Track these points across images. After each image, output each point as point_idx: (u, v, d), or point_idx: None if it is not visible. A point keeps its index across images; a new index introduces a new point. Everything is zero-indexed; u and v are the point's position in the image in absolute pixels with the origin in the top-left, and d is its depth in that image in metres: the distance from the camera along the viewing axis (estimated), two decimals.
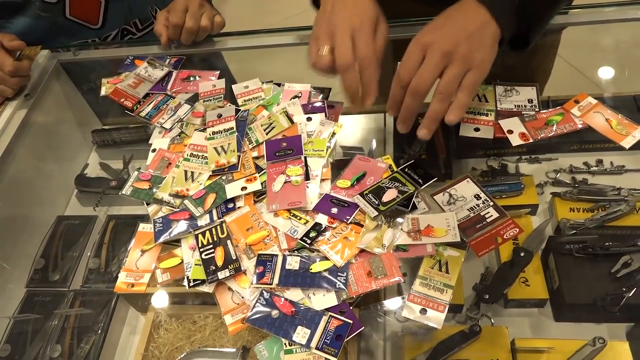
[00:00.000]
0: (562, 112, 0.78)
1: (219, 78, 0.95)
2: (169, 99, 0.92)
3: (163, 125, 0.88)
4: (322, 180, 0.78)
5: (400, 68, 0.73)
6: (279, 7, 2.93)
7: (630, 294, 0.78)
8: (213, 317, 0.85)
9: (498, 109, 0.81)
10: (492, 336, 0.80)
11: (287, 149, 0.80)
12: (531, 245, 0.88)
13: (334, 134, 0.82)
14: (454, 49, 0.69)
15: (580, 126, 0.76)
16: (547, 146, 1.02)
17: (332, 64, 0.73)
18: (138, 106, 0.92)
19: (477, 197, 0.73)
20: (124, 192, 0.82)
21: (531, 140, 0.75)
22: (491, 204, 0.72)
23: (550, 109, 0.79)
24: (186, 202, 0.77)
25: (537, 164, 1.05)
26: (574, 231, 0.89)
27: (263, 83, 0.93)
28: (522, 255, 0.86)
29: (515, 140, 0.75)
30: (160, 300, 0.86)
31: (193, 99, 0.92)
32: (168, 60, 1.01)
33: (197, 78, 0.96)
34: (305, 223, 0.73)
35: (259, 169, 0.79)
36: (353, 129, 1.20)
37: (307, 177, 0.77)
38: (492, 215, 0.71)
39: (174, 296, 0.86)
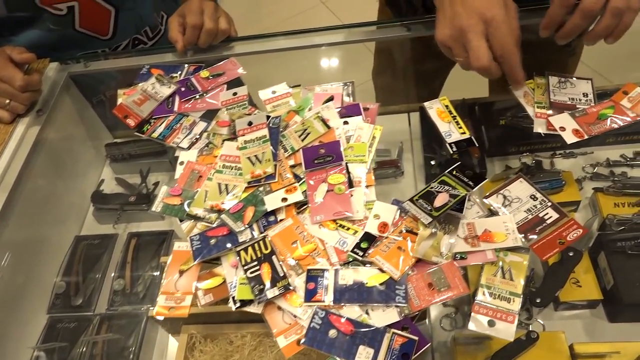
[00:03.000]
0: (613, 104, 0.75)
1: (235, 85, 0.91)
2: (182, 118, 0.87)
3: (180, 145, 0.83)
4: (367, 186, 0.73)
5: None
6: (275, 10, 2.89)
7: None
8: (251, 335, 0.80)
9: (552, 100, 0.78)
10: (549, 342, 0.76)
11: (326, 155, 0.76)
12: (579, 244, 0.84)
13: (374, 137, 0.78)
14: None
15: (634, 119, 0.73)
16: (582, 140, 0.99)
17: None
18: (149, 126, 0.87)
19: (534, 197, 0.69)
20: (154, 209, 0.77)
21: (586, 137, 0.72)
22: (549, 204, 0.68)
23: (600, 102, 0.76)
24: (224, 216, 0.72)
25: (573, 158, 1.02)
26: (622, 227, 0.86)
27: (291, 87, 0.88)
28: (570, 255, 0.82)
29: (569, 138, 0.72)
30: (193, 320, 0.81)
31: (206, 116, 0.87)
32: (186, 68, 0.96)
33: (221, 74, 0.92)
34: (354, 233, 0.68)
35: (297, 178, 0.75)
36: None
37: (350, 184, 0.73)
38: (551, 216, 0.67)
39: (207, 316, 0.81)
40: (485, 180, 0.72)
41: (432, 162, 1.01)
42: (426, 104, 0.84)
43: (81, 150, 1.11)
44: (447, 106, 0.83)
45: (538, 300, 0.80)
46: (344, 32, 1.03)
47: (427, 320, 0.80)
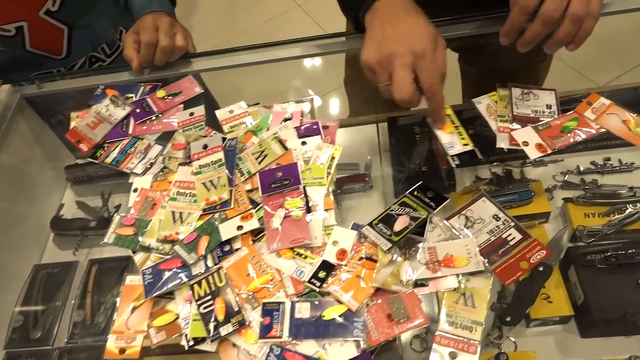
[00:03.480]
0: (577, 116, 0.73)
1: (195, 104, 0.88)
2: (136, 141, 0.84)
3: (133, 171, 0.80)
4: (326, 210, 0.71)
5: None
6: (251, 13, 2.86)
7: None
8: None
9: (515, 113, 0.75)
10: None
11: (283, 178, 0.73)
12: (549, 258, 0.82)
13: (333, 157, 0.75)
14: None
15: (597, 131, 0.71)
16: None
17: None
18: (102, 151, 0.84)
19: (496, 217, 0.67)
20: (106, 240, 0.74)
21: (549, 152, 0.69)
22: (512, 224, 0.66)
23: (564, 115, 0.74)
24: (177, 247, 0.69)
25: (543, 166, 1.00)
26: (592, 239, 0.84)
27: (249, 106, 0.85)
28: (540, 269, 0.80)
29: (533, 153, 0.69)
30: (155, 351, 0.78)
31: (163, 139, 0.84)
32: (143, 87, 0.92)
33: (178, 93, 0.89)
34: (311, 262, 0.66)
35: (254, 203, 0.72)
36: (344, 142, 1.13)
37: (308, 209, 0.70)
38: (514, 237, 0.65)
39: (172, 346, 0.78)
40: (447, 201, 0.69)
41: (400, 176, 0.98)
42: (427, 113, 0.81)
43: (40, 173, 1.07)
44: (449, 115, 0.78)
45: (508, 319, 0.77)
46: (309, 44, 0.99)
47: (396, 341, 0.78)
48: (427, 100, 0.71)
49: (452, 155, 0.73)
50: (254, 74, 1.11)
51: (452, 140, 0.75)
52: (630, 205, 0.86)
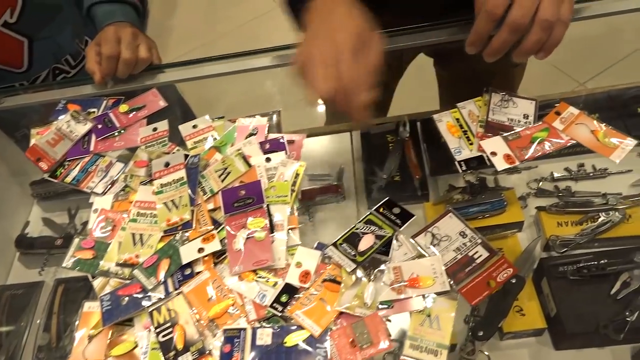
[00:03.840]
0: (547, 127, 0.71)
1: (161, 117, 0.85)
2: (98, 159, 0.81)
3: (94, 191, 0.77)
4: (290, 229, 0.69)
5: (517, 10, 0.65)
6: (231, 14, 2.82)
7: (634, 318, 0.72)
8: None
9: (489, 119, 0.73)
10: None
11: (246, 197, 0.71)
12: (522, 270, 0.81)
13: (297, 174, 0.73)
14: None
15: (567, 142, 0.69)
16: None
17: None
18: (62, 170, 0.81)
19: (463, 234, 0.66)
20: (64, 264, 0.72)
21: (517, 163, 0.68)
22: (479, 241, 0.64)
23: (534, 125, 0.72)
24: (136, 272, 0.67)
25: (517, 173, 0.99)
26: (565, 249, 0.83)
27: (213, 120, 0.83)
28: (513, 282, 0.79)
29: (500, 164, 0.68)
30: None
31: (125, 156, 0.82)
32: (105, 102, 0.90)
33: (141, 107, 0.86)
34: (274, 285, 0.64)
35: (217, 224, 0.70)
36: (317, 152, 1.12)
37: (271, 228, 0.68)
38: (481, 255, 0.63)
39: None
40: (413, 217, 0.68)
41: (373, 186, 0.97)
42: (435, 116, 0.78)
43: (5, 190, 1.05)
44: (457, 119, 0.76)
45: (480, 334, 0.76)
46: (279, 53, 0.97)
47: None
48: (348, 98, 0.65)
49: (459, 161, 0.71)
50: (229, 82, 1.08)
51: (460, 145, 0.72)
52: (603, 213, 0.85)
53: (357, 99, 0.65)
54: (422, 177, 0.96)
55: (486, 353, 0.78)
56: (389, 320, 0.74)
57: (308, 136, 1.11)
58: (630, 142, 0.68)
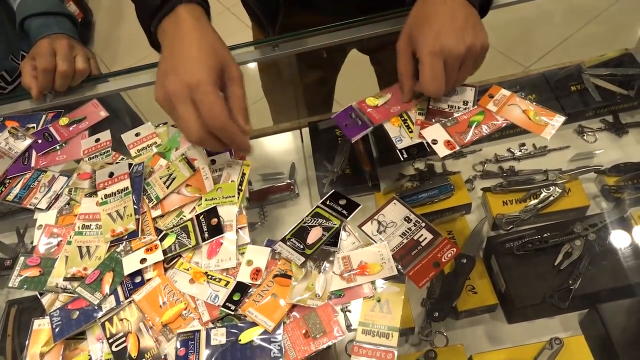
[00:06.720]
0: (483, 110, 0.73)
1: (104, 128, 0.84)
2: (40, 174, 0.80)
3: (37, 207, 0.76)
4: (240, 228, 0.69)
5: (429, 85, 0.68)
6: None
7: (577, 286, 0.76)
8: None
9: (430, 106, 0.75)
10: (449, 358, 0.75)
11: None
12: (472, 250, 0.84)
13: (244, 173, 0.73)
14: (466, 49, 0.67)
15: (502, 123, 0.72)
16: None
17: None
18: (3, 189, 0.79)
19: (407, 219, 0.67)
20: (10, 284, 0.70)
21: (458, 148, 0.70)
22: (423, 224, 0.66)
23: (470, 110, 0.74)
24: (79, 290, 0.66)
25: (463, 158, 1.02)
26: (511, 226, 0.86)
27: (156, 126, 0.82)
28: (464, 262, 0.81)
29: (442, 151, 0.69)
30: None
31: (68, 169, 0.80)
32: (45, 116, 0.88)
33: (82, 119, 0.84)
34: (226, 285, 0.64)
35: (159, 232, 0.69)
36: (268, 151, 1.12)
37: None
38: (426, 238, 0.65)
39: None
40: (359, 207, 0.69)
41: (324, 181, 0.98)
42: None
43: None
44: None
45: (436, 315, 0.78)
46: None
47: (331, 348, 0.78)
48: (220, 137, 0.64)
49: (400, 149, 0.72)
50: None
51: (400, 134, 0.74)
52: (544, 189, 0.88)
53: (230, 134, 0.63)
54: (372, 168, 0.98)
55: (445, 333, 0.81)
56: (349, 311, 0.77)
57: (258, 137, 1.13)
58: (559, 118, 0.71)
